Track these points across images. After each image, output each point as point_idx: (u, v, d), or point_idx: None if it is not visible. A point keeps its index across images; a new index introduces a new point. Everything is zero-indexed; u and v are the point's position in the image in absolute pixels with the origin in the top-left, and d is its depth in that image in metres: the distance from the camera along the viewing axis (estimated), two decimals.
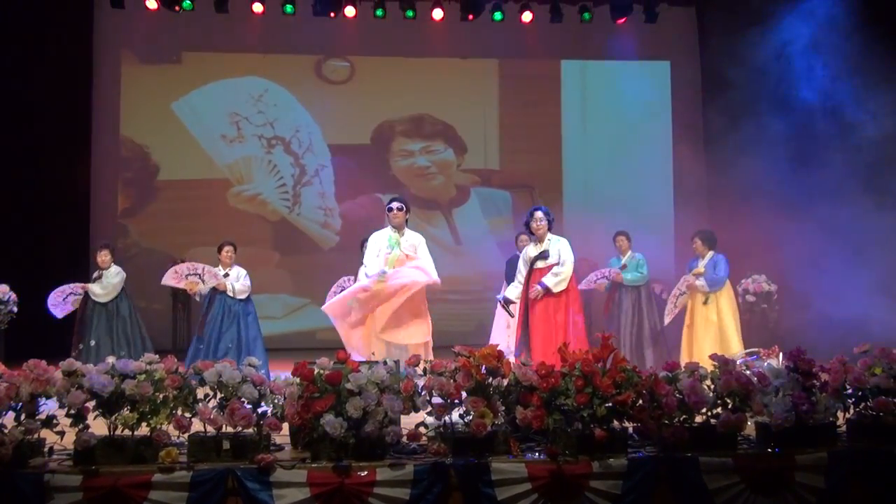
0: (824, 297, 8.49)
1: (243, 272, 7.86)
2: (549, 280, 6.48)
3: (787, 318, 9.29)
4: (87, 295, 7.94)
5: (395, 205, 6.88)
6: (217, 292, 7.76)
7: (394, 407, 4.04)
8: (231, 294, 7.73)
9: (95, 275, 8.04)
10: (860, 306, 8.03)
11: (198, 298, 7.89)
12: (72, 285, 8.04)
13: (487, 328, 8.42)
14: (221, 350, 7.52)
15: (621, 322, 8.17)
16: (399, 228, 6.87)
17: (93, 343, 7.79)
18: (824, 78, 8.98)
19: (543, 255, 6.58)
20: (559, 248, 6.58)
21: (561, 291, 6.49)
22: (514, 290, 6.77)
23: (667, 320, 8.06)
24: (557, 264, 6.51)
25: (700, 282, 7.78)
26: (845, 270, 8.44)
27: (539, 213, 6.68)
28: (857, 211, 8.59)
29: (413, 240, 6.90)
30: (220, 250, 7.87)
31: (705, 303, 7.79)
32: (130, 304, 8.08)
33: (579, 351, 4.38)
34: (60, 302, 7.94)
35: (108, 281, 7.92)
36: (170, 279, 7.78)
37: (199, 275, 7.68)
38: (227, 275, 7.77)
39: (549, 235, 6.68)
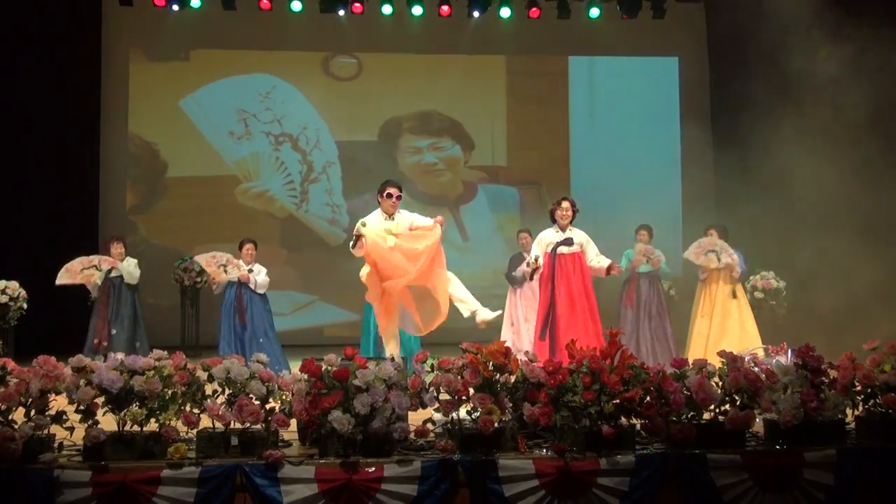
0: (833, 295, 8.46)
1: (264, 269, 8.03)
2: (604, 262, 6.93)
3: (795, 316, 9.25)
4: (111, 285, 8.16)
5: (395, 191, 6.43)
6: (241, 287, 7.85)
7: (401, 403, 4.05)
8: (252, 286, 7.86)
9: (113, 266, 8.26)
10: (869, 304, 8.01)
11: (215, 289, 8.02)
12: (102, 258, 8.21)
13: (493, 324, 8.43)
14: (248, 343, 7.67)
15: (640, 313, 8.16)
16: (392, 215, 6.46)
17: (114, 332, 8.01)
18: (835, 74, 8.93)
19: (568, 242, 6.89)
20: (583, 239, 6.97)
21: (586, 281, 6.84)
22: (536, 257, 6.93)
23: (687, 254, 7.93)
24: (581, 252, 6.89)
25: (738, 269, 7.81)
26: (854, 268, 8.39)
27: (566, 203, 7.02)
28: (868, 208, 8.55)
29: (406, 221, 6.46)
30: (241, 247, 7.99)
31: (734, 297, 7.78)
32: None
33: (587, 348, 4.38)
34: (77, 271, 8.03)
35: (133, 269, 8.31)
36: (200, 259, 8.08)
37: (224, 266, 7.88)
38: (250, 271, 7.91)
39: (570, 226, 7.00)
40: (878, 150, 8.41)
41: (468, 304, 6.46)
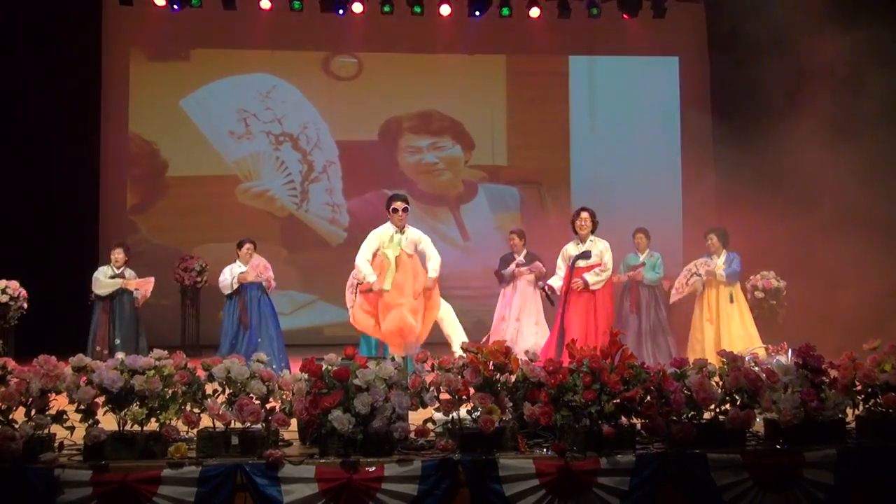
0: (833, 294, 8.45)
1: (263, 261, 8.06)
2: (590, 277, 6.87)
3: (795, 315, 9.24)
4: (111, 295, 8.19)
5: (399, 205, 6.59)
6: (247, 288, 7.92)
7: (402, 403, 4.05)
8: (267, 284, 7.95)
9: (117, 272, 8.24)
10: (870, 303, 8.00)
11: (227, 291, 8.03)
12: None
13: (487, 324, 8.43)
14: (256, 343, 7.71)
15: (641, 320, 8.16)
16: (401, 228, 6.63)
17: (118, 341, 8.02)
18: (839, 71, 8.92)
19: (585, 255, 6.92)
20: (601, 250, 6.97)
21: (599, 290, 6.87)
22: (556, 281, 7.07)
23: (673, 298, 8.01)
24: (600, 265, 6.90)
25: (721, 272, 7.72)
26: (855, 267, 8.39)
27: (585, 214, 7.03)
28: (870, 208, 8.54)
29: (414, 237, 6.67)
30: (239, 247, 7.99)
31: (731, 301, 7.75)
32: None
33: (587, 347, 4.38)
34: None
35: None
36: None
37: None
38: (243, 271, 7.94)
39: (592, 237, 7.00)
40: (885, 146, 8.39)
41: (455, 342, 6.63)
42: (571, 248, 7.02)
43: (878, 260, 8.26)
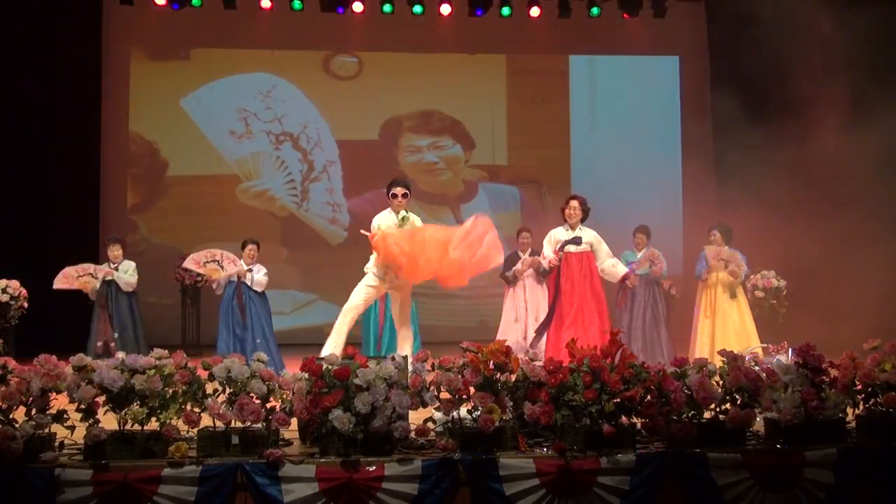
0: (834, 294, 8.45)
1: (264, 269, 8.01)
2: (619, 269, 7.04)
3: (796, 314, 9.24)
4: (108, 289, 8.07)
5: (399, 191, 6.52)
6: (241, 286, 7.85)
7: (402, 402, 4.05)
8: (249, 283, 7.85)
9: (111, 268, 8.14)
10: (870, 302, 8.01)
11: (215, 288, 7.93)
12: (97, 267, 8.11)
13: (489, 324, 8.41)
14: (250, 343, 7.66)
15: (634, 314, 8.15)
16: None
17: (116, 335, 7.99)
18: (838, 71, 8.93)
19: (576, 241, 6.96)
20: (592, 239, 7.02)
21: (594, 281, 6.94)
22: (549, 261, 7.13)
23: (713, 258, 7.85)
24: (590, 252, 6.98)
25: (744, 267, 7.75)
26: (855, 267, 8.39)
27: (574, 202, 7.07)
28: (870, 207, 8.55)
29: (412, 223, 6.58)
30: (243, 248, 7.99)
31: (733, 297, 7.75)
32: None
33: (587, 347, 4.38)
34: (73, 277, 7.94)
35: (131, 275, 8.15)
36: (190, 264, 7.89)
37: (218, 261, 7.73)
38: (249, 271, 7.88)
39: (581, 225, 7.04)
40: (887, 145, 8.41)
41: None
42: (560, 233, 7.05)
43: (887, 258, 8.26)
